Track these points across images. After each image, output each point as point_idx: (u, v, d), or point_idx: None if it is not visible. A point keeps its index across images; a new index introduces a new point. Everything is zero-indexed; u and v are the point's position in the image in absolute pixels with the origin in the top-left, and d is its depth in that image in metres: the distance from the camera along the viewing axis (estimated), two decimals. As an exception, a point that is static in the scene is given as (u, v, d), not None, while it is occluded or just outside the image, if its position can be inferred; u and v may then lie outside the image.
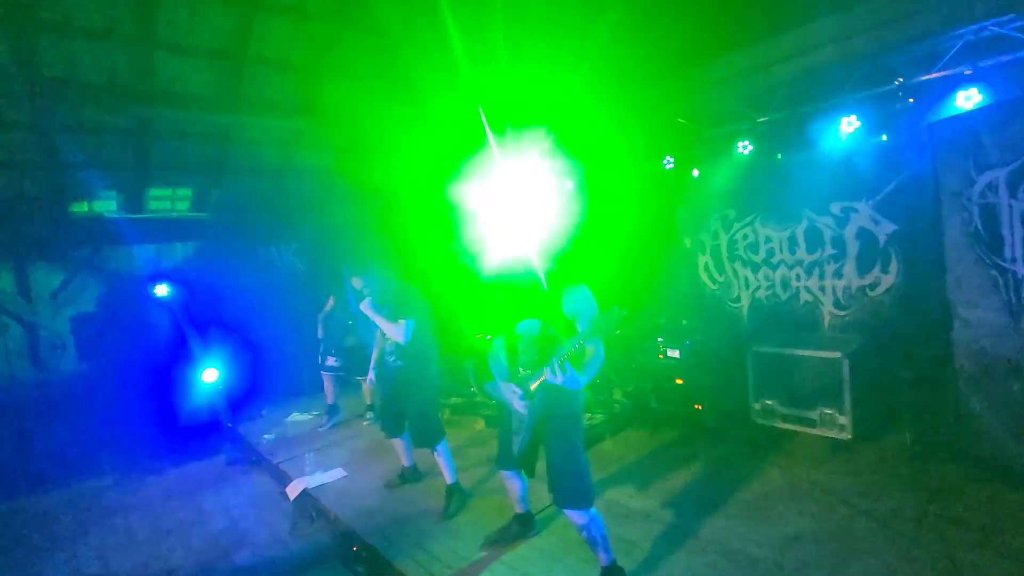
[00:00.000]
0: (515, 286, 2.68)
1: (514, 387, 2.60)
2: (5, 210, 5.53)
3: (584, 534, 2.58)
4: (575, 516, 2.55)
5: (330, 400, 5.83)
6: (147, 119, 5.36)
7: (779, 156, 4.93)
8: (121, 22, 4.42)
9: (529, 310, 2.60)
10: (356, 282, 3.60)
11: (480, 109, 4.13)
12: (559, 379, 2.31)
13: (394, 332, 3.44)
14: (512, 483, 3.05)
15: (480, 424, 5.29)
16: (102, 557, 3.71)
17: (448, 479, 3.69)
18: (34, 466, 5.33)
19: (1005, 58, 3.37)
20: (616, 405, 5.13)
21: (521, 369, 2.62)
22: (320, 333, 5.74)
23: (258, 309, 7.24)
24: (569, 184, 6.14)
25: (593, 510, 2.56)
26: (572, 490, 2.54)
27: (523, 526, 3.20)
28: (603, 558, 2.62)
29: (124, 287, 6.29)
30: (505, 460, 2.90)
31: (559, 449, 2.59)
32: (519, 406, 2.60)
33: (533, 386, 2.51)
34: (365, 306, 3.46)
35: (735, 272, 5.51)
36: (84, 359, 6.15)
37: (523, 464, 2.85)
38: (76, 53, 4.53)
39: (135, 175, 6.00)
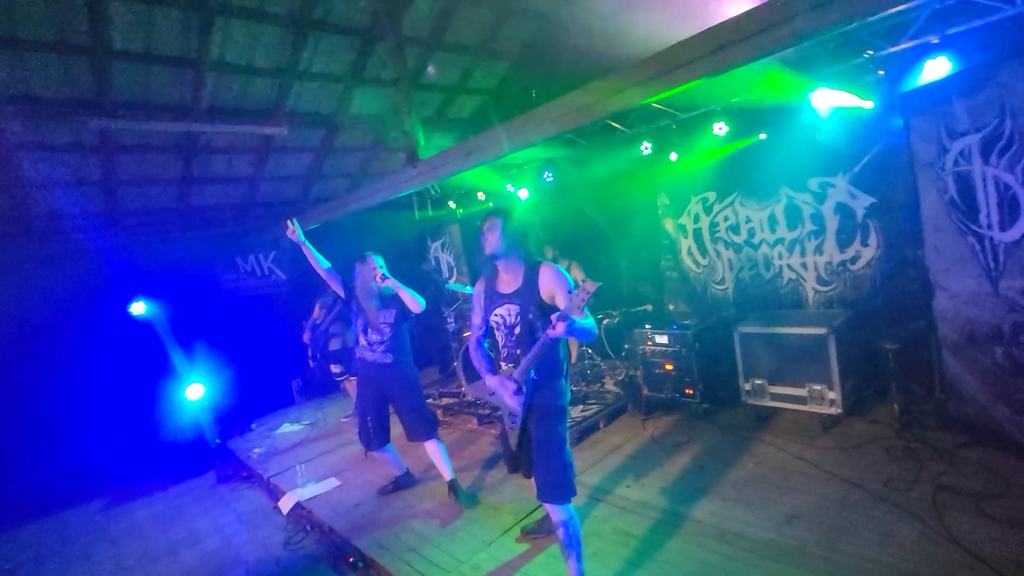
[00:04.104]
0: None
1: (506, 381, 2.43)
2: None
3: (560, 531, 2.46)
4: (554, 512, 2.44)
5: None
6: (109, 132, 5.18)
7: (755, 136, 4.91)
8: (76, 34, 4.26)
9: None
10: (371, 263, 3.67)
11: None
12: (561, 331, 2.09)
13: (413, 302, 3.54)
14: (530, 482, 2.82)
15: (472, 423, 5.24)
16: (91, 587, 3.62)
17: (446, 475, 3.68)
18: (14, 497, 5.18)
19: (971, 25, 3.36)
20: (608, 395, 5.12)
21: (504, 364, 2.53)
22: (306, 338, 5.72)
23: (242, 320, 7.12)
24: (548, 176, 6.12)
25: (572, 508, 2.46)
26: (554, 483, 2.42)
27: None
28: (573, 568, 2.47)
29: (101, 306, 6.11)
30: (509, 463, 2.72)
31: (543, 440, 2.45)
32: (514, 403, 2.43)
33: (518, 375, 2.37)
34: (392, 281, 3.55)
35: (718, 254, 5.51)
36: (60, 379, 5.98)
37: (524, 462, 2.64)
38: (30, 67, 4.36)
39: (103, 191, 5.83)
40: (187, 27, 4.64)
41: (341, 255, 5.92)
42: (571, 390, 5.24)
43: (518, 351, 2.44)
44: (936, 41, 3.50)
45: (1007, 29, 3.20)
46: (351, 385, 5.89)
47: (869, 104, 3.98)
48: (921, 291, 3.78)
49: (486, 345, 2.73)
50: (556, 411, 2.48)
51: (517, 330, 2.45)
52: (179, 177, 6.18)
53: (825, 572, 2.46)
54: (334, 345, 5.63)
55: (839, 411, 3.82)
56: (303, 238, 3.72)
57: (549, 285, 2.41)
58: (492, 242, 2.48)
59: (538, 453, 2.47)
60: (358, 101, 6.35)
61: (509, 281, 2.52)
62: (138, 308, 5.86)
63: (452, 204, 7.71)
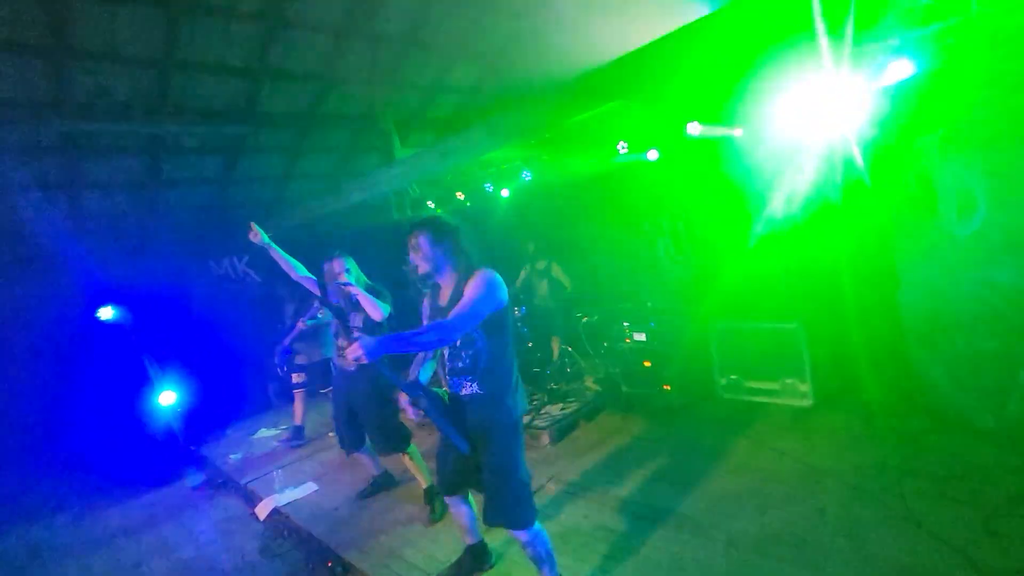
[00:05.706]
0: None
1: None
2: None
3: (528, 551, 2.40)
4: (518, 535, 2.35)
5: (298, 421, 5.56)
6: (70, 134, 5.02)
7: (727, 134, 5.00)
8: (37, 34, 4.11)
9: None
10: (337, 264, 3.51)
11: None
12: (355, 354, 1.94)
13: (374, 309, 3.34)
14: (457, 509, 2.70)
15: (454, 423, 5.22)
16: (58, 602, 3.49)
17: (423, 483, 3.61)
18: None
19: (927, 30, 3.48)
20: (588, 392, 5.16)
21: (447, 380, 2.44)
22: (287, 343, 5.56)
23: (216, 323, 6.97)
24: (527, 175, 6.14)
25: (537, 525, 2.37)
26: (512, 508, 2.29)
27: (477, 559, 2.84)
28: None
29: (69, 311, 5.92)
30: (445, 483, 2.59)
31: (497, 464, 2.31)
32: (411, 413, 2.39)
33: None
34: (353, 287, 3.36)
35: (694, 250, 5.60)
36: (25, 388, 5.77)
37: (457, 485, 2.55)
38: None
39: (66, 195, 5.65)
40: (153, 25, 4.51)
41: (318, 258, 5.84)
42: (552, 387, 5.21)
43: (459, 364, 2.33)
44: (896, 43, 3.61)
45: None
46: (300, 402, 5.57)
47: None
48: (888, 283, 3.89)
49: (431, 367, 2.56)
50: (509, 430, 2.34)
51: (458, 343, 2.30)
52: (147, 179, 6.01)
53: (797, 559, 2.52)
54: (299, 360, 5.43)
55: (811, 403, 3.93)
56: (268, 240, 3.52)
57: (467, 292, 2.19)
58: (421, 262, 2.28)
59: (491, 479, 2.33)
60: (333, 100, 6.27)
61: (446, 292, 2.37)
62: (106, 313, 5.69)
63: (431, 204, 7.66)
